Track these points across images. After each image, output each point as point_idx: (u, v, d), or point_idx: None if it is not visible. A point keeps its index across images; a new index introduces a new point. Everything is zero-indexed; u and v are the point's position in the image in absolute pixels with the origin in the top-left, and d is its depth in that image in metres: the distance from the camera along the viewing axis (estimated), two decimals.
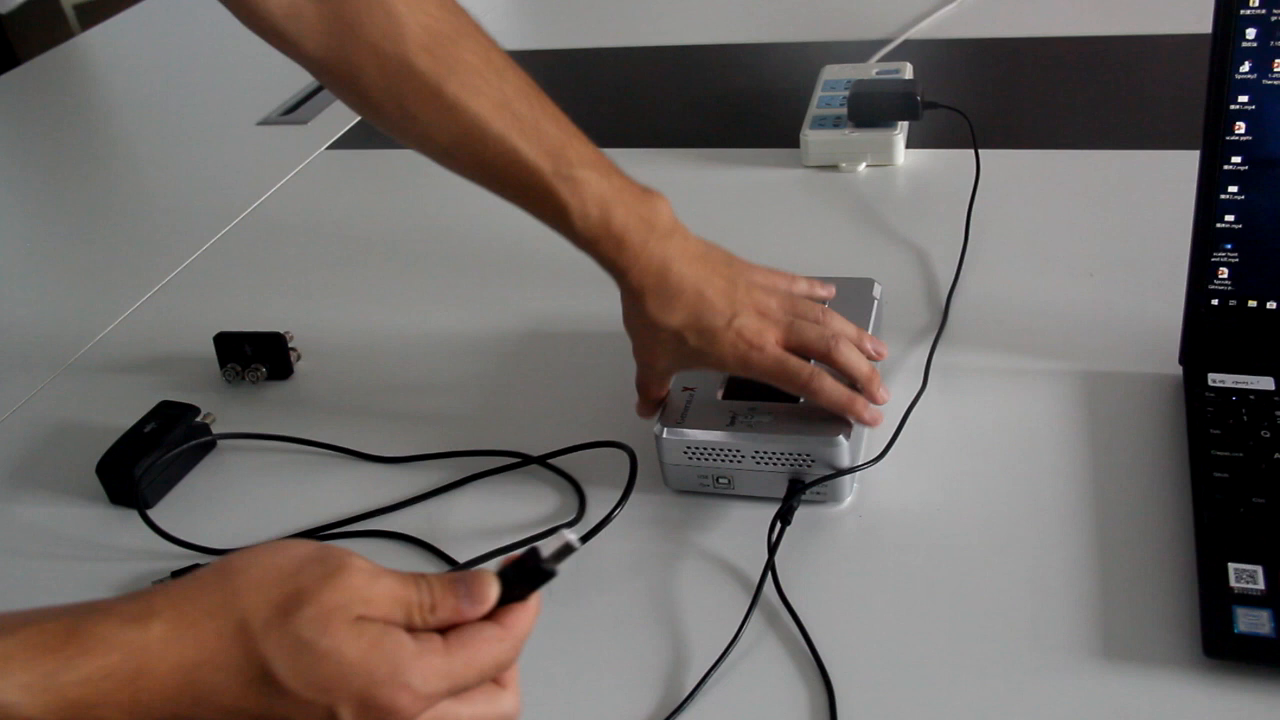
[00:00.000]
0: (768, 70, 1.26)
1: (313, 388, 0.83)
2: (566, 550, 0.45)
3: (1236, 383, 0.66)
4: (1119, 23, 1.22)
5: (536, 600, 0.46)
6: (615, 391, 0.74)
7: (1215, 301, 0.69)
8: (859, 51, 1.21)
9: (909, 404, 0.70)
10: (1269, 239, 0.67)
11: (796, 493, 0.63)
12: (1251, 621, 0.53)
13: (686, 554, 0.64)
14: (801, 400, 0.65)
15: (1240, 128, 0.65)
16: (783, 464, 0.64)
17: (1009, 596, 0.59)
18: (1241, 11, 0.63)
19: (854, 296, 0.72)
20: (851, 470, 0.64)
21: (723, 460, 0.65)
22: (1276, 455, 0.61)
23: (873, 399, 0.64)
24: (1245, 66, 0.64)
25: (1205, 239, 0.68)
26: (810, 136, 1.01)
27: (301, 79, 1.37)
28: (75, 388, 0.86)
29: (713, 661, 0.57)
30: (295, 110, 1.31)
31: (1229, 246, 0.68)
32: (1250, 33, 0.63)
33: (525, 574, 0.46)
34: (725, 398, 0.67)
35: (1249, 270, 0.68)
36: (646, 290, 0.65)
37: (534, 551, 0.45)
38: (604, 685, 0.57)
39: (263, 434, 0.77)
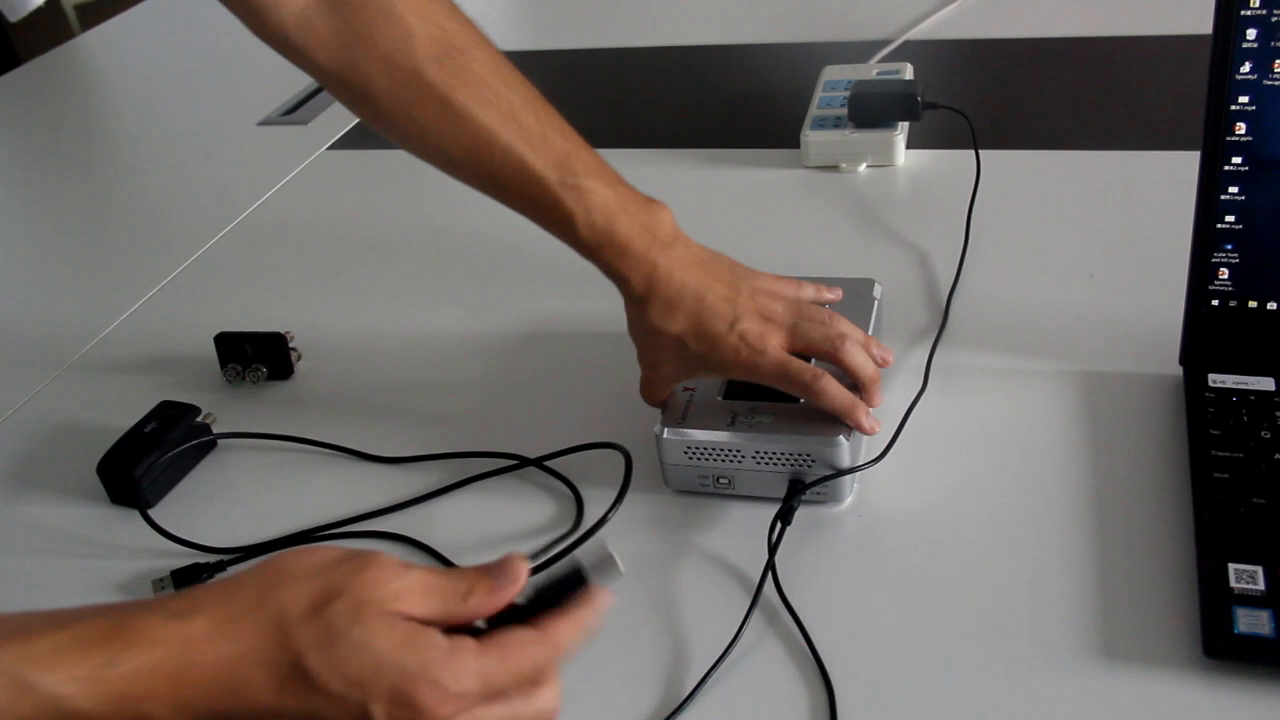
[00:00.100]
0: (768, 71, 1.26)
1: (313, 388, 0.83)
2: (608, 566, 0.45)
3: (1237, 383, 0.67)
4: (1119, 23, 1.22)
5: (584, 612, 0.46)
6: (613, 392, 0.75)
7: (1215, 302, 0.69)
8: (859, 52, 1.21)
9: (909, 404, 0.70)
10: (1269, 240, 0.67)
11: (797, 493, 0.63)
12: (1251, 622, 0.53)
13: (686, 554, 0.64)
14: (802, 401, 0.65)
15: (1241, 128, 0.65)
16: (783, 464, 0.64)
17: (1009, 596, 0.59)
18: (1242, 12, 0.63)
19: (854, 297, 0.72)
20: (852, 470, 0.64)
21: (723, 460, 0.65)
22: (1277, 456, 0.61)
23: (869, 402, 0.65)
24: (1246, 67, 0.64)
25: (1205, 239, 0.68)
26: (810, 137, 1.01)
27: (302, 80, 1.36)
28: (76, 388, 0.86)
29: (713, 661, 0.57)
30: (296, 111, 1.31)
31: (1229, 247, 0.68)
32: (1251, 33, 0.63)
33: (560, 581, 0.46)
34: (725, 398, 0.67)
35: (1249, 271, 0.68)
36: (648, 297, 0.65)
37: (574, 559, 0.45)
38: (604, 685, 0.57)
39: (263, 434, 0.77)
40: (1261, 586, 0.54)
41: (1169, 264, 0.73)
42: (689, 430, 0.65)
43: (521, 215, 0.67)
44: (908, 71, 1.10)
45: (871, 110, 1.01)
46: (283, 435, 0.77)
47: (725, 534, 0.65)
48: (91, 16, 2.65)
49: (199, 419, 0.76)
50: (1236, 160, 0.66)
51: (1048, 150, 1.00)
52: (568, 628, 0.46)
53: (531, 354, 0.82)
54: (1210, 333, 0.69)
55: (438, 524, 0.69)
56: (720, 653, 0.57)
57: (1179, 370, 0.70)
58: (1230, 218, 0.67)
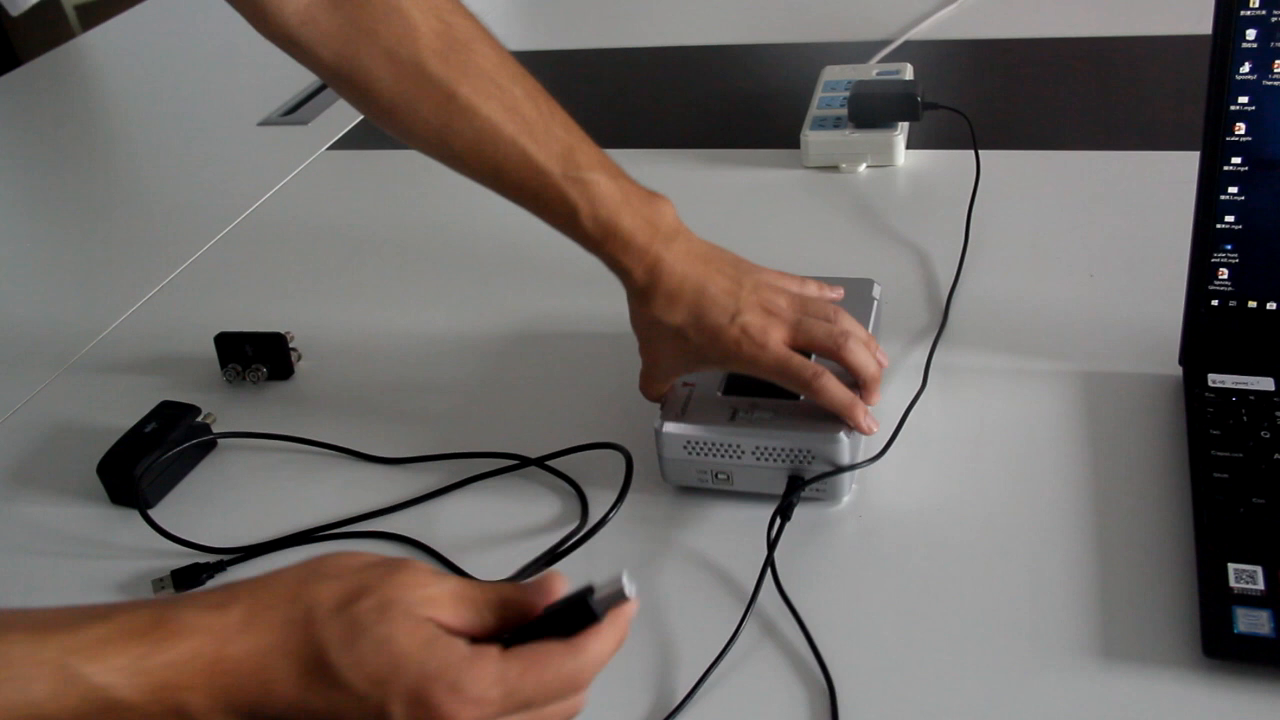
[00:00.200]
0: (768, 71, 1.26)
1: (313, 388, 0.83)
2: (618, 596, 0.45)
3: (1236, 383, 0.67)
4: (1119, 23, 1.22)
5: (616, 627, 0.46)
6: (613, 393, 0.75)
7: (1215, 302, 0.69)
8: (859, 52, 1.21)
9: (909, 403, 0.70)
10: (1269, 240, 0.67)
11: (796, 489, 0.63)
12: (1251, 622, 0.53)
13: (685, 552, 0.64)
14: (801, 398, 0.65)
15: (1240, 128, 0.65)
16: (783, 460, 0.64)
17: (1009, 596, 0.59)
18: (1242, 12, 0.63)
19: (853, 297, 0.72)
20: (851, 468, 0.64)
21: (722, 456, 0.65)
22: (1276, 456, 0.61)
23: (868, 401, 0.65)
24: (1245, 67, 0.64)
25: (1205, 240, 0.68)
26: (810, 137, 1.02)
27: (302, 80, 1.37)
28: (76, 388, 0.86)
29: (713, 658, 0.57)
30: (296, 111, 1.31)
31: (1229, 247, 0.68)
32: (1250, 33, 0.63)
33: (570, 609, 0.45)
34: (725, 394, 0.67)
35: (1249, 271, 0.68)
36: (651, 290, 0.65)
37: (589, 589, 0.45)
38: (604, 682, 0.57)
39: (263, 434, 0.77)
40: (1261, 586, 0.54)
41: (1169, 264, 0.74)
42: (689, 425, 0.65)
43: (524, 209, 0.67)
44: (908, 72, 1.10)
45: (871, 110, 1.01)
46: (283, 435, 0.77)
47: (724, 533, 0.65)
48: (92, 17, 2.65)
49: (199, 419, 0.76)
50: (1236, 160, 0.66)
51: (1047, 150, 1.00)
52: (599, 641, 0.45)
53: (531, 354, 0.83)
54: (1210, 333, 0.69)
55: (439, 524, 0.69)
56: (720, 649, 0.57)
57: (1179, 370, 0.70)
58: (1230, 218, 0.67)
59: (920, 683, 0.55)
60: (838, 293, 0.71)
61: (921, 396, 0.71)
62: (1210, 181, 0.67)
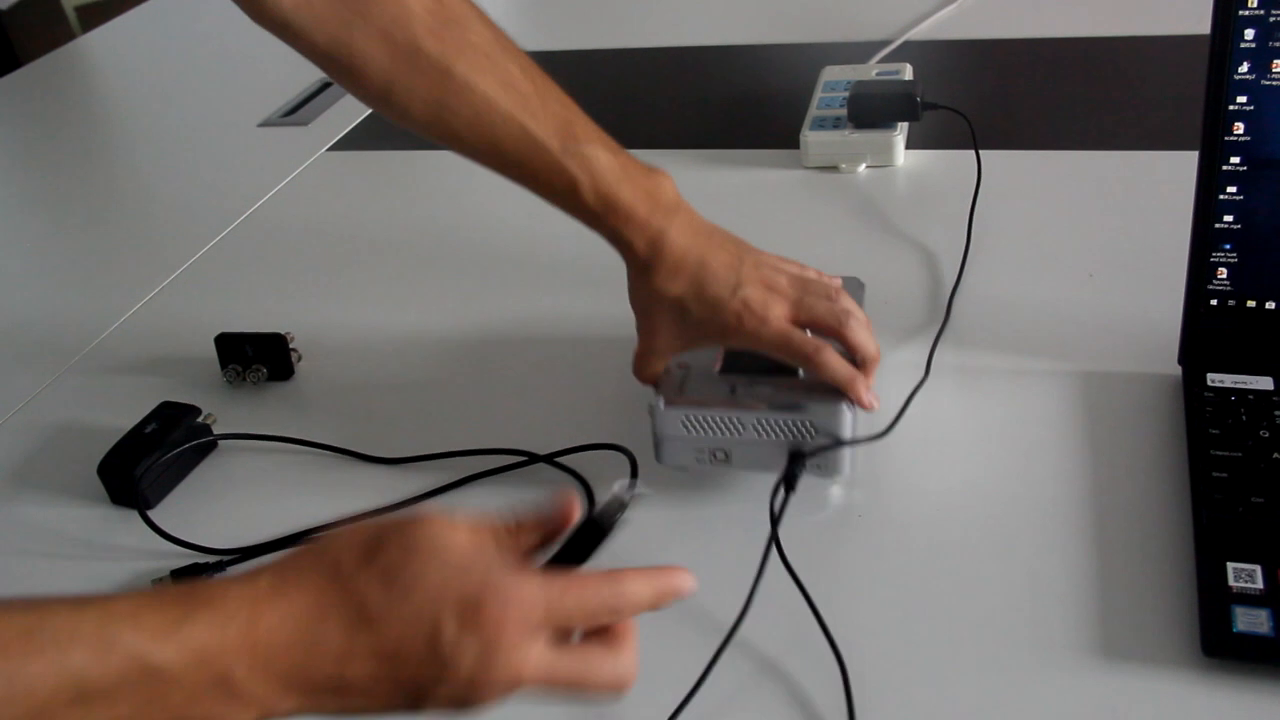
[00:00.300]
0: (768, 71, 1.26)
1: (314, 388, 0.83)
2: (618, 505, 0.45)
3: (1235, 383, 0.67)
4: (1119, 23, 1.22)
5: (653, 573, 0.46)
6: (615, 394, 0.75)
7: (1214, 302, 0.69)
8: (859, 52, 1.21)
9: (911, 390, 0.70)
10: (1268, 239, 0.67)
11: (798, 462, 0.63)
12: (1250, 621, 0.53)
13: (686, 536, 0.64)
14: (801, 374, 0.65)
15: (1239, 128, 0.65)
16: (784, 434, 0.63)
17: (1008, 596, 0.59)
18: (1240, 12, 0.63)
19: None
20: (854, 442, 0.63)
21: (723, 431, 0.64)
22: (1275, 455, 0.61)
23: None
24: (1244, 67, 0.64)
25: (1204, 239, 0.68)
26: (810, 137, 1.02)
27: (302, 81, 1.37)
28: (77, 388, 0.86)
29: (716, 647, 0.57)
30: (296, 112, 1.31)
31: (1228, 247, 0.68)
32: (1249, 33, 0.63)
33: (580, 534, 0.46)
34: (723, 372, 0.67)
35: (1248, 270, 0.68)
36: (652, 262, 0.66)
37: (588, 512, 0.46)
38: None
39: (264, 435, 0.77)
40: (1260, 585, 0.54)
41: (1168, 264, 0.74)
42: (689, 400, 0.64)
43: (524, 187, 0.67)
44: (907, 72, 1.10)
45: (871, 110, 1.01)
46: (283, 436, 0.77)
47: (726, 520, 0.65)
48: (92, 18, 2.65)
49: (199, 420, 0.76)
50: (1235, 160, 0.66)
51: (1047, 150, 1.00)
52: (635, 580, 0.46)
53: (532, 356, 0.83)
54: (1209, 332, 0.69)
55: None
56: (726, 633, 0.57)
57: (1178, 370, 0.70)
58: (1229, 217, 0.67)
59: (918, 681, 0.55)
60: (836, 282, 0.70)
61: (923, 395, 0.71)
62: (1209, 181, 0.67)
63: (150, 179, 1.22)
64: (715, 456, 0.65)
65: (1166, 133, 1.00)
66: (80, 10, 2.90)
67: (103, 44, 1.67)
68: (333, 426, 0.77)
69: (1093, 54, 1.18)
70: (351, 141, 1.22)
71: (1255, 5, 0.63)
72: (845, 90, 1.05)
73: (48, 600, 0.40)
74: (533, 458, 0.72)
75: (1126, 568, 0.59)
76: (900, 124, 1.01)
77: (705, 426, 0.64)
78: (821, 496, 0.67)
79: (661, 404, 0.65)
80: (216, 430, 0.77)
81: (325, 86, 1.36)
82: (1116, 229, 0.88)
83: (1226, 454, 0.62)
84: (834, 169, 1.02)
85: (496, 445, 0.73)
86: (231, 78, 1.45)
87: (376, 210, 1.07)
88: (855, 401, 0.63)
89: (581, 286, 0.85)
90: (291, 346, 0.83)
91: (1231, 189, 0.66)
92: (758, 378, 0.65)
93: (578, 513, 0.47)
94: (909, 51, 1.22)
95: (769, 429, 0.63)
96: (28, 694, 0.38)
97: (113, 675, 0.39)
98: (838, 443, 0.63)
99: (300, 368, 0.84)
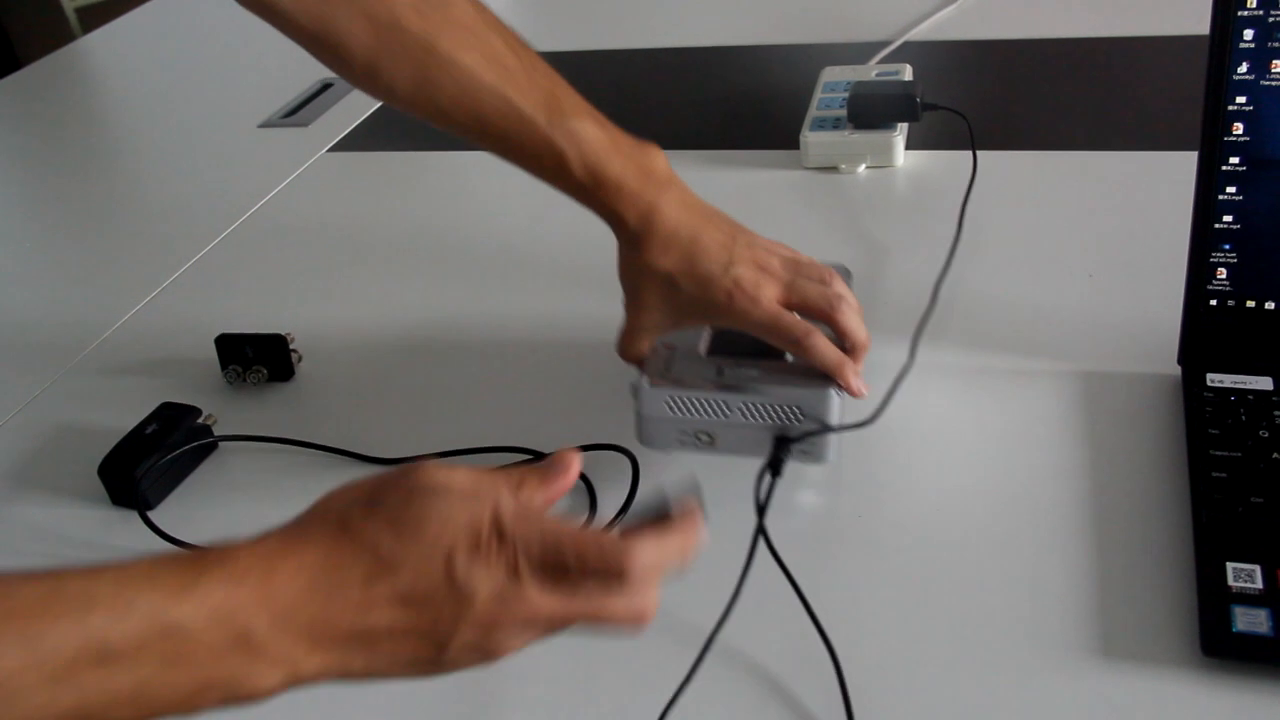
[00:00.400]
0: (768, 72, 1.26)
1: (314, 389, 0.83)
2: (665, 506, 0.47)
3: (1235, 383, 0.67)
4: (1118, 24, 1.22)
5: (664, 533, 0.46)
6: (616, 394, 0.74)
7: (1214, 302, 0.69)
8: (859, 53, 1.21)
9: (897, 375, 0.68)
10: (1267, 239, 0.67)
11: (784, 447, 0.62)
12: (1249, 620, 0.53)
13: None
14: (789, 357, 0.64)
15: (1238, 128, 0.65)
16: (771, 418, 0.62)
17: (1008, 596, 0.59)
18: (1239, 13, 0.63)
19: None
20: (841, 429, 0.63)
21: (709, 414, 0.63)
22: (1275, 455, 0.61)
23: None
24: (1243, 67, 0.64)
25: (1203, 239, 0.68)
26: (810, 138, 1.02)
27: (303, 82, 1.37)
28: (77, 389, 0.86)
29: (701, 645, 0.56)
30: (296, 113, 1.31)
31: (1227, 247, 0.68)
32: (1248, 34, 0.63)
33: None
34: (709, 353, 0.66)
35: (1247, 270, 0.68)
36: (643, 236, 0.65)
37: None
38: (608, 661, 0.57)
39: (264, 436, 0.77)
40: (1259, 585, 0.55)
41: (1167, 264, 0.74)
42: (676, 381, 0.63)
43: (512, 163, 0.66)
44: (907, 72, 1.10)
45: (871, 111, 1.01)
46: (284, 438, 0.77)
47: (711, 509, 0.64)
48: (92, 19, 2.66)
49: (200, 420, 0.76)
50: (1234, 160, 0.66)
51: (1047, 151, 1.00)
52: (644, 538, 0.46)
53: (533, 357, 0.83)
54: (1208, 332, 0.69)
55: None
56: (718, 619, 0.56)
57: (1177, 370, 0.70)
58: (1228, 217, 0.67)
59: (917, 681, 0.55)
60: (829, 272, 0.70)
61: (923, 394, 0.71)
62: (1208, 181, 0.67)
63: (151, 180, 1.23)
64: (700, 439, 0.64)
65: (1166, 133, 1.00)
66: (81, 11, 2.90)
67: (103, 45, 1.67)
68: (333, 427, 0.77)
69: (1093, 54, 1.18)
70: (352, 142, 1.22)
71: (1254, 5, 0.63)
72: (845, 91, 1.05)
73: (62, 569, 0.40)
74: (535, 456, 0.72)
75: (1126, 567, 0.59)
76: (900, 124, 1.01)
77: (691, 408, 0.63)
78: (818, 498, 0.67)
79: (646, 384, 0.63)
80: (217, 431, 0.77)
81: (325, 87, 1.36)
82: (1116, 229, 0.88)
83: (1226, 454, 0.62)
84: (834, 169, 1.02)
85: (497, 445, 0.73)
86: (232, 78, 1.45)
87: (377, 211, 1.07)
88: (844, 387, 0.63)
89: (582, 287, 0.85)
90: (292, 347, 0.83)
91: (1231, 189, 0.67)
92: (745, 360, 0.64)
93: (578, 469, 0.48)
94: (909, 52, 1.22)
95: (756, 413, 0.62)
96: (52, 657, 0.38)
97: (133, 635, 0.39)
98: (825, 428, 0.62)
99: (301, 368, 0.84)
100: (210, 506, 0.73)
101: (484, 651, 0.45)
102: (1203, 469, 0.61)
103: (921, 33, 1.27)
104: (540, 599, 0.44)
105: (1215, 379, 0.67)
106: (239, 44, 1.55)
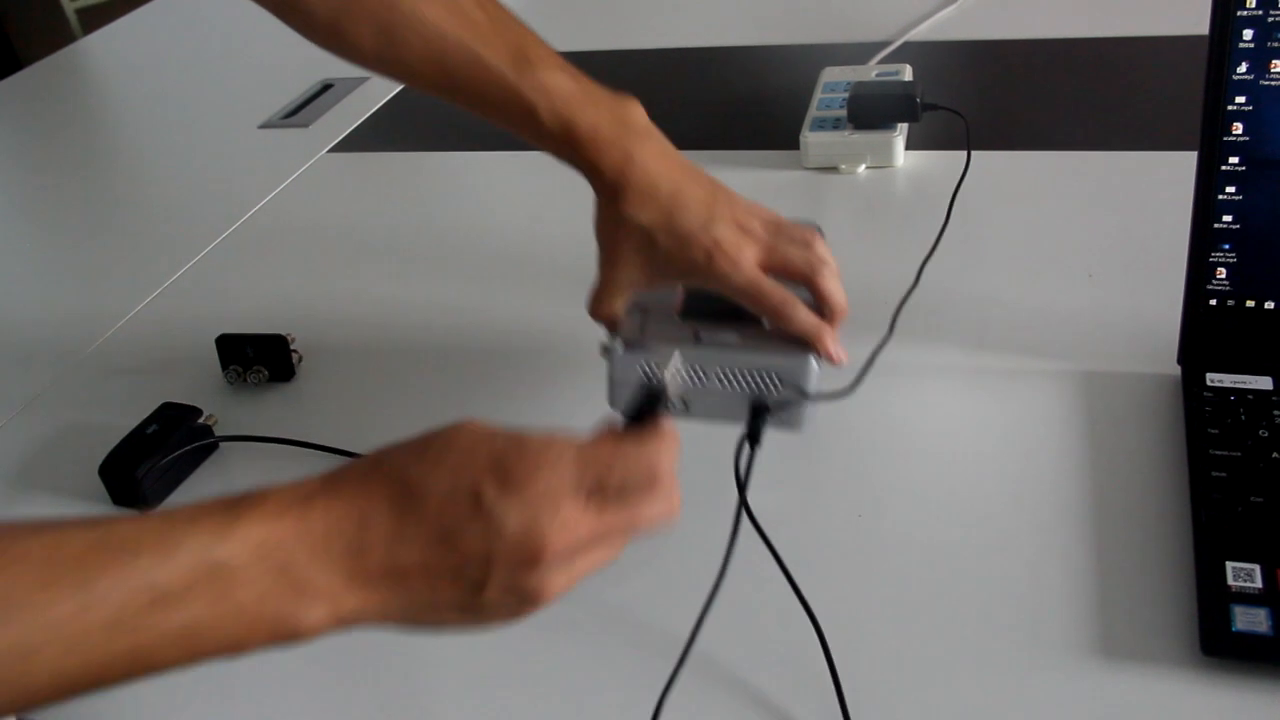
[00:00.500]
0: (768, 72, 1.26)
1: (315, 390, 0.83)
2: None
3: (1235, 382, 0.67)
4: (1118, 24, 1.22)
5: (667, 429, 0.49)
6: None
7: (1213, 301, 0.69)
8: (859, 53, 1.21)
9: (877, 345, 0.67)
10: (1267, 239, 0.67)
11: (762, 413, 0.60)
12: (1249, 620, 0.53)
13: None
14: (765, 323, 0.62)
15: (1238, 128, 0.65)
16: (748, 385, 0.60)
17: (1007, 595, 0.59)
18: (1239, 13, 0.63)
19: None
20: (821, 398, 0.60)
21: (684, 379, 0.60)
22: (1274, 454, 0.61)
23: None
24: (1243, 67, 0.64)
25: (1203, 239, 0.68)
26: (810, 138, 1.02)
27: (303, 82, 1.37)
28: (78, 389, 0.86)
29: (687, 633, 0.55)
30: (297, 113, 1.31)
31: (1227, 247, 0.68)
32: (1247, 34, 0.63)
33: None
34: (684, 317, 0.63)
35: (1247, 270, 0.68)
36: (621, 186, 0.63)
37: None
38: (604, 647, 0.57)
39: (265, 436, 0.77)
40: (1259, 584, 0.55)
41: (1167, 264, 0.74)
42: (650, 346, 0.60)
43: (482, 117, 0.65)
44: (907, 73, 1.10)
45: (871, 111, 1.01)
46: (284, 438, 0.77)
47: (689, 486, 0.64)
48: (93, 20, 2.66)
49: (200, 421, 0.76)
50: (1234, 160, 0.66)
51: (1047, 151, 1.00)
52: (658, 434, 0.48)
53: (533, 356, 0.83)
54: (1208, 332, 0.69)
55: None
56: (708, 594, 0.55)
57: (1177, 370, 0.70)
58: (1228, 217, 0.67)
59: (917, 681, 0.55)
60: (809, 231, 0.68)
61: (922, 394, 0.71)
62: (1208, 181, 0.67)
63: (151, 180, 1.23)
64: (674, 405, 0.61)
65: (1165, 133, 1.00)
66: (81, 12, 2.91)
67: (104, 46, 1.67)
68: (334, 427, 0.77)
69: (1092, 54, 1.18)
70: (352, 143, 1.22)
71: (1254, 5, 0.63)
72: (845, 91, 1.05)
73: (108, 517, 0.41)
74: None
75: (1126, 567, 0.59)
76: (900, 125, 1.01)
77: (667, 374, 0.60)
78: (817, 494, 0.67)
79: (620, 348, 0.60)
80: (218, 431, 0.77)
81: (326, 88, 1.36)
82: (1116, 229, 0.88)
83: (1226, 454, 0.62)
84: (834, 170, 1.02)
85: None
86: (232, 79, 1.45)
87: (377, 211, 1.07)
88: (823, 354, 0.61)
89: (582, 287, 0.85)
90: (292, 348, 0.83)
91: (1230, 189, 0.67)
92: (722, 325, 0.62)
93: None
94: (909, 52, 1.22)
95: (733, 380, 0.60)
96: (104, 601, 0.38)
97: (181, 576, 0.40)
98: (803, 395, 0.60)
99: (301, 369, 0.84)
100: None
101: (523, 595, 0.45)
102: (1202, 469, 0.61)
103: (921, 33, 1.27)
104: (581, 520, 0.45)
105: (1215, 379, 0.67)
106: (239, 45, 1.55)
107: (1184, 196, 0.68)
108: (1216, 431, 0.63)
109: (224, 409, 0.79)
